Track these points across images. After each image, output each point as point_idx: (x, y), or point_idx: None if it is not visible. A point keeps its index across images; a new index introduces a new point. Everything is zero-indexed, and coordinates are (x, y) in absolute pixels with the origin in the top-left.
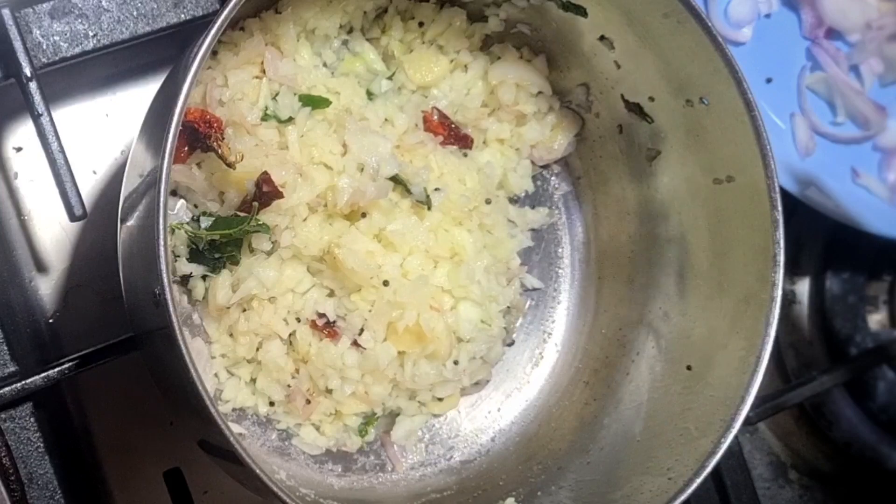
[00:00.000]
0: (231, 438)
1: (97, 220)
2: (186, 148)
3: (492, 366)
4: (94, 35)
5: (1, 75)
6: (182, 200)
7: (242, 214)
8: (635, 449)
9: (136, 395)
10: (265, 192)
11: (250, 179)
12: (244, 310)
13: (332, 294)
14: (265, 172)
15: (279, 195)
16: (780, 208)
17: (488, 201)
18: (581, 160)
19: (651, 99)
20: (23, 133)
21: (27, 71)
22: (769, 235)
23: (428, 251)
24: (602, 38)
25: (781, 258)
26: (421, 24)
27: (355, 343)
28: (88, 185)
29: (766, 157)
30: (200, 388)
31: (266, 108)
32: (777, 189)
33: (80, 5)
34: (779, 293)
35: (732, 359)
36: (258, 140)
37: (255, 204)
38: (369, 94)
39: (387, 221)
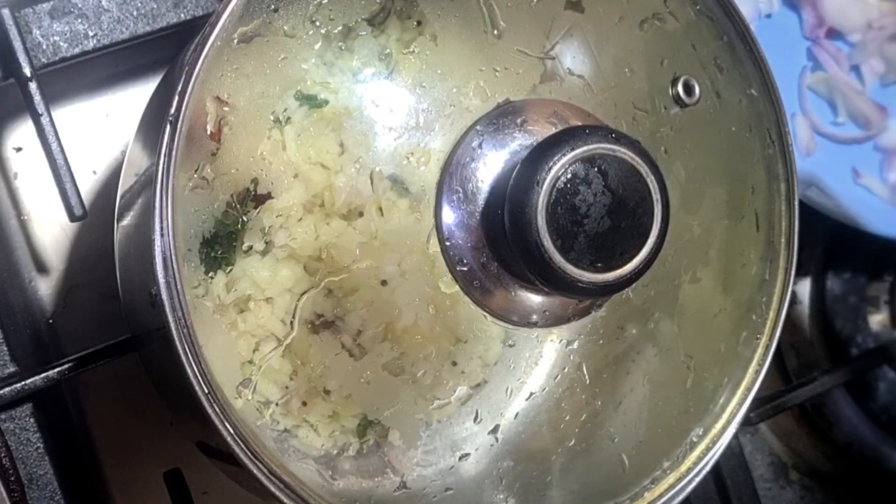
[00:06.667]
0: (229, 440)
1: (97, 220)
2: None
3: (491, 366)
4: (94, 35)
5: (1, 75)
6: None
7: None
8: (637, 449)
9: (136, 396)
10: (259, 194)
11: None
12: (241, 311)
13: (329, 294)
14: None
15: (269, 196)
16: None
17: None
18: None
19: None
20: (23, 133)
21: (27, 71)
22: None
23: (425, 251)
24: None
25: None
26: (419, 24)
27: (354, 343)
28: (88, 185)
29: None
30: (198, 389)
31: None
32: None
33: (80, 5)
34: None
35: (734, 358)
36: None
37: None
38: None
39: (384, 221)
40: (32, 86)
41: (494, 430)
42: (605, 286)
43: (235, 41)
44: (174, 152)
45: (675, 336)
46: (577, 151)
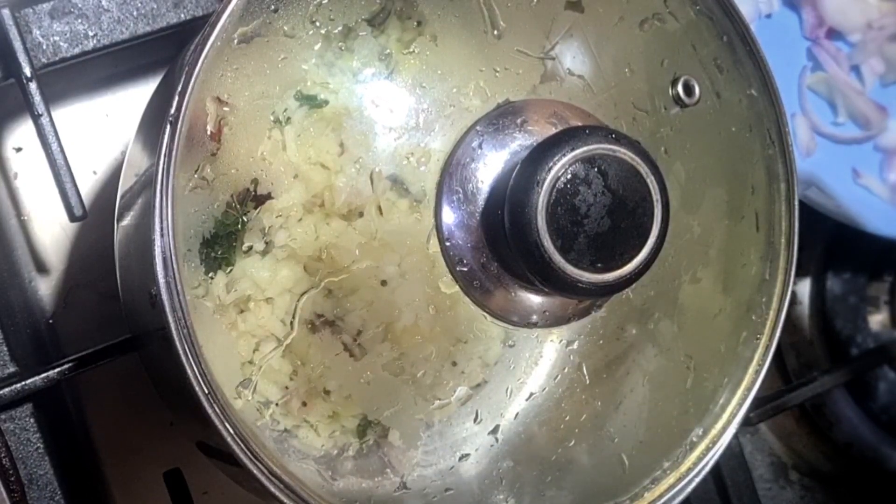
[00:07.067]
0: (229, 440)
1: (97, 220)
2: None
3: (491, 366)
4: (94, 35)
5: (1, 75)
6: None
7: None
8: (637, 449)
9: (136, 396)
10: (259, 194)
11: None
12: (241, 311)
13: (329, 294)
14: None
15: (269, 196)
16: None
17: None
18: None
19: None
20: (23, 133)
21: (27, 71)
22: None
23: (425, 251)
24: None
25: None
26: (419, 24)
27: (354, 344)
28: (88, 185)
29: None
30: (198, 389)
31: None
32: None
33: (80, 5)
34: (784, 297)
35: (734, 358)
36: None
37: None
38: None
39: (384, 221)
40: (32, 86)
41: (494, 431)
42: (605, 286)
43: (235, 41)
44: (174, 152)
45: (675, 336)
46: (577, 152)
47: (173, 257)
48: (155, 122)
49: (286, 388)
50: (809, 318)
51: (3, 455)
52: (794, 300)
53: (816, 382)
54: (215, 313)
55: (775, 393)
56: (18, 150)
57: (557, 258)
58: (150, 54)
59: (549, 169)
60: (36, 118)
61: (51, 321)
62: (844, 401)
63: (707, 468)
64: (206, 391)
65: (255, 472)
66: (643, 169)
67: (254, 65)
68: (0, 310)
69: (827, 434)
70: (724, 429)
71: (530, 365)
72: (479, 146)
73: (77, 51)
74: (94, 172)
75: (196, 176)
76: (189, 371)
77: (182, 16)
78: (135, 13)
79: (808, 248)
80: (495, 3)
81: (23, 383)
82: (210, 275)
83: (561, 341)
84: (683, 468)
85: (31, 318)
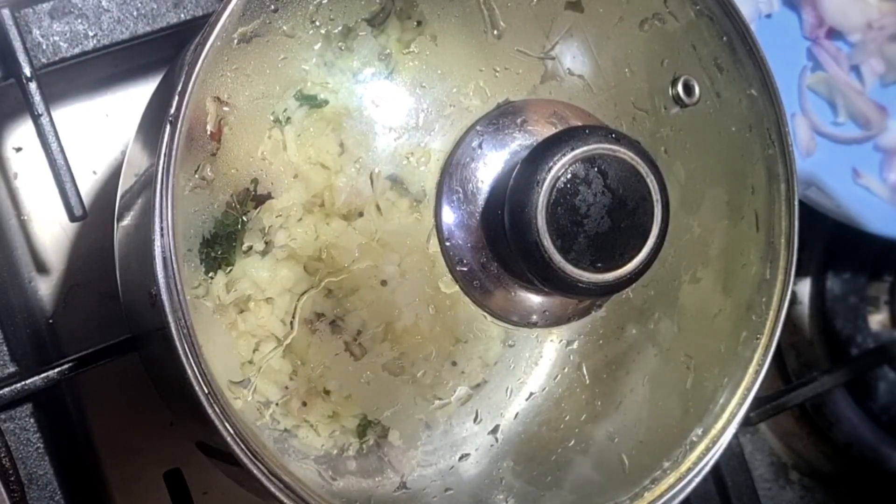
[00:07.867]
0: (229, 440)
1: (97, 220)
2: None
3: (491, 366)
4: (94, 35)
5: (1, 75)
6: None
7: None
8: (637, 449)
9: (136, 396)
10: (259, 194)
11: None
12: (241, 311)
13: (329, 294)
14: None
15: (269, 196)
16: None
17: None
18: None
19: None
20: (23, 133)
21: (27, 71)
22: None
23: (425, 251)
24: None
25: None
26: (419, 24)
27: (354, 343)
28: (88, 185)
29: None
30: (198, 389)
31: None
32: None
33: (80, 5)
34: (784, 297)
35: (734, 358)
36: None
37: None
38: None
39: (384, 221)
40: (32, 86)
41: (494, 430)
42: (605, 286)
43: (235, 41)
44: (174, 152)
45: (675, 336)
46: (577, 151)
47: (173, 257)
48: (155, 122)
49: (286, 388)
50: (809, 318)
51: (3, 455)
52: (794, 300)
53: (816, 382)
54: (215, 313)
55: (775, 393)
56: (18, 150)
57: (557, 258)
58: (150, 54)
59: (549, 169)
60: (36, 118)
61: (51, 321)
62: (844, 401)
63: (707, 468)
64: (206, 391)
65: (255, 472)
66: (643, 169)
67: (254, 65)
68: (0, 310)
69: (827, 434)
70: (724, 429)
71: (530, 365)
72: (479, 146)
73: (77, 51)
74: (94, 172)
75: (196, 176)
76: (189, 371)
77: (182, 16)
78: (135, 13)
79: (808, 248)
80: (495, 3)
81: (23, 383)
82: (210, 275)
83: (561, 341)
84: (683, 468)
85: (31, 318)
